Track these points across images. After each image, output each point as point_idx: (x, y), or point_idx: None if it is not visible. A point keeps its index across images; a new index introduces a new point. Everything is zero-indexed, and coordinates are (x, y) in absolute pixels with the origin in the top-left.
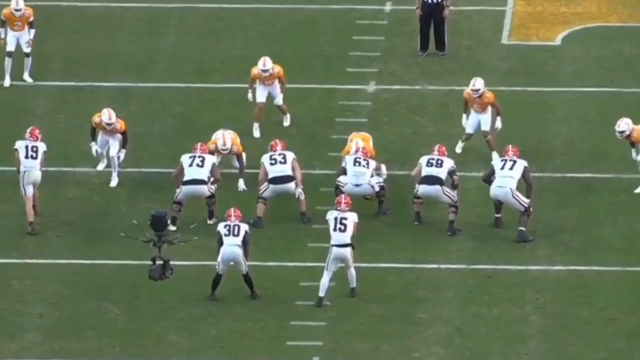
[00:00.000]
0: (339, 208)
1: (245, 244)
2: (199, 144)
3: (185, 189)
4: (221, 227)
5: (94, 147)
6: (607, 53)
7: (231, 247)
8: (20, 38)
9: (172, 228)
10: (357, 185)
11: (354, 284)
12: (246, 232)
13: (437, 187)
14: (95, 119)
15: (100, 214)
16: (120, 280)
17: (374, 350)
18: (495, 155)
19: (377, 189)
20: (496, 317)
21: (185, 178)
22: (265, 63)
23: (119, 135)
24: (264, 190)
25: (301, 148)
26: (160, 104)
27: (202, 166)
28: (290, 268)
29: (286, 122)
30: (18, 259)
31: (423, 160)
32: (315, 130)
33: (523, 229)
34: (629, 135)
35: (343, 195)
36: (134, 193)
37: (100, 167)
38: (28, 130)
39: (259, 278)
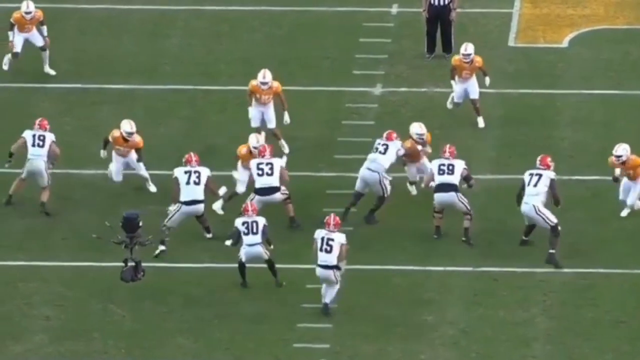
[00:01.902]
0: (327, 228)
1: (264, 234)
2: (192, 154)
3: (185, 209)
4: (239, 224)
5: (104, 154)
6: (614, 55)
7: (252, 247)
8: (30, 37)
9: (163, 248)
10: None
11: (327, 300)
12: (264, 225)
13: (452, 194)
14: (115, 133)
15: (106, 216)
16: (128, 288)
17: (380, 352)
18: (480, 119)
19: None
20: (502, 319)
21: (184, 198)
22: (265, 75)
23: (135, 155)
24: (252, 199)
25: (307, 150)
26: (166, 106)
27: (198, 183)
28: (296, 270)
29: (285, 149)
30: (24, 261)
31: (434, 167)
32: (321, 132)
33: (553, 251)
34: (624, 162)
35: (332, 216)
36: (139, 195)
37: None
38: (37, 121)
39: (266, 280)
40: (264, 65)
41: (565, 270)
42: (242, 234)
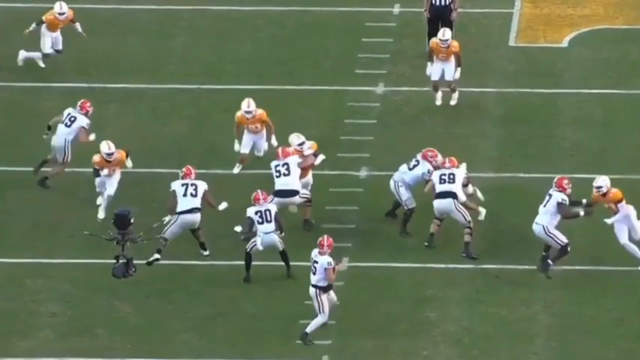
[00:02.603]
0: (319, 249)
1: (277, 222)
2: (190, 168)
3: (182, 218)
4: (252, 214)
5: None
6: (614, 55)
7: (268, 235)
8: (57, 37)
9: (158, 256)
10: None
11: (307, 328)
12: (276, 213)
13: (450, 200)
14: (95, 158)
15: (111, 215)
16: (131, 279)
17: (383, 349)
18: (455, 95)
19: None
20: (504, 316)
21: (181, 208)
22: (249, 104)
23: (118, 175)
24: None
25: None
26: (170, 105)
27: (195, 195)
28: (299, 267)
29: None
30: (31, 259)
31: (435, 177)
32: (324, 131)
33: (550, 262)
34: (605, 194)
35: (325, 237)
36: (144, 194)
37: (102, 205)
38: (80, 101)
39: (269, 277)
40: (267, 64)
41: (567, 267)
42: (256, 223)
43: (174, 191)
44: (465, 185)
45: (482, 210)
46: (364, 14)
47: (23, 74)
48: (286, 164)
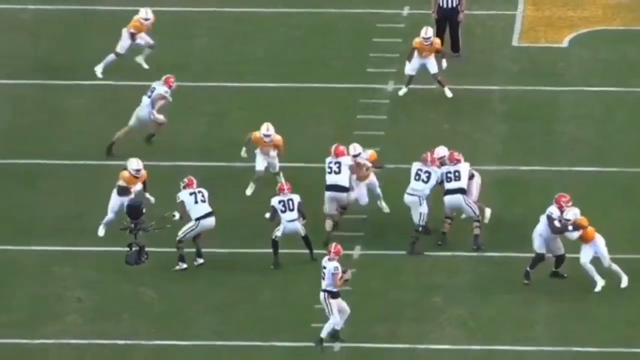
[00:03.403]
0: (329, 257)
1: (299, 210)
2: (192, 178)
3: (202, 223)
4: (275, 203)
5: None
6: (612, 55)
7: (290, 223)
8: (142, 39)
9: (184, 266)
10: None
11: (322, 333)
12: (299, 202)
13: (459, 196)
14: (124, 174)
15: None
16: (155, 266)
17: (392, 333)
18: (447, 90)
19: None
20: (506, 302)
21: (199, 214)
22: (269, 128)
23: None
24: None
25: (324, 143)
26: (192, 102)
27: (204, 201)
28: (314, 255)
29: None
30: (59, 247)
31: (442, 176)
32: (337, 126)
33: (554, 269)
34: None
35: (334, 245)
36: (167, 185)
37: (102, 232)
38: (165, 76)
39: (287, 265)
40: (283, 63)
41: (567, 255)
42: (279, 211)
43: (182, 202)
44: (470, 178)
45: (488, 211)
46: (375, 15)
47: (50, 71)
48: (338, 162)
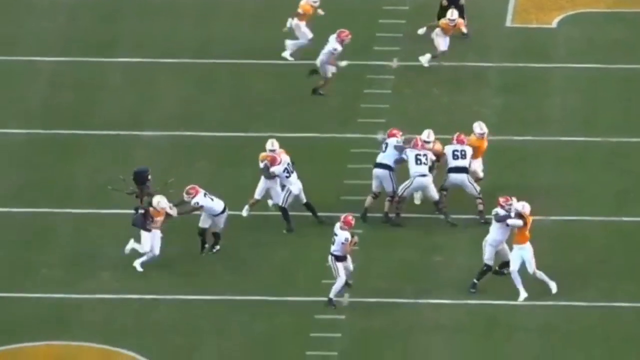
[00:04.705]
0: (341, 225)
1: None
2: (196, 187)
3: (222, 216)
4: (280, 172)
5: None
6: (597, 35)
7: (298, 181)
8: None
9: (217, 247)
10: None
11: (330, 294)
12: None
13: (464, 175)
14: (159, 205)
15: (163, 172)
16: (181, 228)
17: (396, 289)
18: (428, 56)
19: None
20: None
21: (219, 209)
22: (273, 144)
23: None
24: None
25: (334, 115)
26: (214, 78)
27: (213, 200)
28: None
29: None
30: (93, 209)
31: (448, 152)
32: (346, 100)
33: (497, 268)
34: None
35: (345, 216)
36: (190, 154)
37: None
38: (339, 30)
39: (300, 226)
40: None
41: (555, 217)
42: (284, 178)
43: (198, 203)
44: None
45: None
46: None
47: (88, 48)
48: (386, 143)
